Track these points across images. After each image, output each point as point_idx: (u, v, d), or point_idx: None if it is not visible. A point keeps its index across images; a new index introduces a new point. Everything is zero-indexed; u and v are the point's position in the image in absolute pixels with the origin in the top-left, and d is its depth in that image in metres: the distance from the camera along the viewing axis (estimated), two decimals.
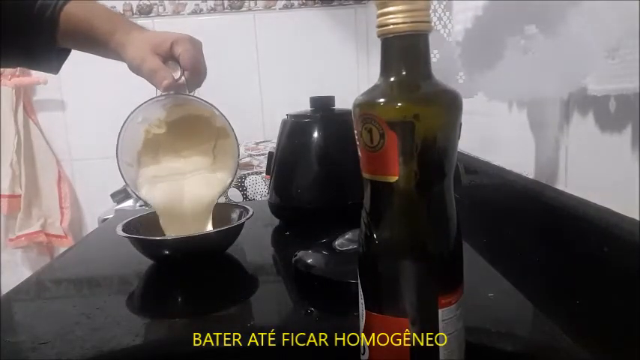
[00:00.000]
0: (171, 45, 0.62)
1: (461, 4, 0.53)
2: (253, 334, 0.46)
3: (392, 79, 0.32)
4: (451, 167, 0.32)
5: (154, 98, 0.63)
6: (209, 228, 0.66)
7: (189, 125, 0.68)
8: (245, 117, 1.62)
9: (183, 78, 0.64)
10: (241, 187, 1.18)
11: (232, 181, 0.66)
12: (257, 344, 0.45)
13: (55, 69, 0.70)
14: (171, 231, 0.65)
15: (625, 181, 0.38)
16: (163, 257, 0.63)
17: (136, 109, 0.63)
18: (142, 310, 0.55)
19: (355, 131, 0.33)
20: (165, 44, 0.62)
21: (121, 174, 0.63)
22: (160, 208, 0.65)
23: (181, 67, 0.63)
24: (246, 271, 0.65)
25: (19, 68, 1.74)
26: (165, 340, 0.47)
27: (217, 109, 0.64)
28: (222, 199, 1.17)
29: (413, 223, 0.32)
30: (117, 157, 0.62)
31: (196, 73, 0.64)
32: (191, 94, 0.66)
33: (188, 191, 0.65)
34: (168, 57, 0.63)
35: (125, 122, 0.63)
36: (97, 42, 0.64)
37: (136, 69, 0.63)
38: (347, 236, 0.58)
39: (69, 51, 0.70)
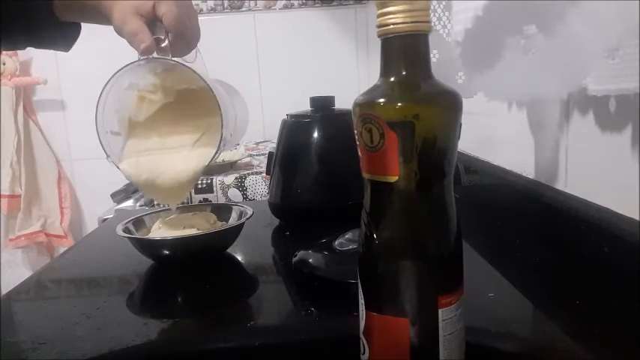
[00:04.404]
0: (154, 5, 0.59)
1: (460, 4, 0.53)
2: (253, 334, 0.46)
3: (392, 79, 0.32)
4: (451, 167, 0.32)
5: (133, 62, 0.60)
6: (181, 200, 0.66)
7: (189, 99, 0.66)
8: None
9: (167, 41, 0.60)
10: (241, 187, 1.18)
11: (215, 155, 0.63)
12: (257, 344, 0.45)
13: (62, 46, 0.68)
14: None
15: (625, 181, 0.38)
16: (163, 257, 0.63)
17: (114, 75, 0.60)
18: (142, 310, 0.55)
19: (355, 131, 0.33)
20: (147, 5, 0.59)
21: (100, 142, 0.61)
22: (136, 183, 0.64)
23: (165, 30, 0.60)
24: (246, 271, 0.65)
25: (19, 68, 1.74)
26: (165, 340, 0.47)
27: (200, 76, 0.60)
28: (223, 199, 1.17)
29: (413, 223, 0.32)
30: (96, 124, 0.61)
31: (180, 35, 0.60)
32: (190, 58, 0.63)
33: (166, 168, 0.63)
34: (152, 18, 0.60)
35: (103, 90, 0.60)
36: (89, 9, 0.63)
37: (118, 32, 0.60)
38: (347, 236, 0.58)
39: (77, 28, 0.68)
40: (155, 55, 0.60)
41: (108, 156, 0.62)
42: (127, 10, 0.59)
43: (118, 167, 0.63)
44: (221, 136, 0.61)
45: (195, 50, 0.65)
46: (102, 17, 0.62)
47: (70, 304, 0.56)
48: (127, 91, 0.64)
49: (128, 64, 0.60)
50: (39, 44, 0.68)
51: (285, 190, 0.77)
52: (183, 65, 0.61)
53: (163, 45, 0.60)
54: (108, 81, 0.60)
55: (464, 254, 0.34)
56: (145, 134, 0.66)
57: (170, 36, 0.60)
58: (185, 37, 0.61)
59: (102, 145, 0.61)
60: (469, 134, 0.51)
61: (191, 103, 0.66)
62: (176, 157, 0.64)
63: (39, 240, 1.78)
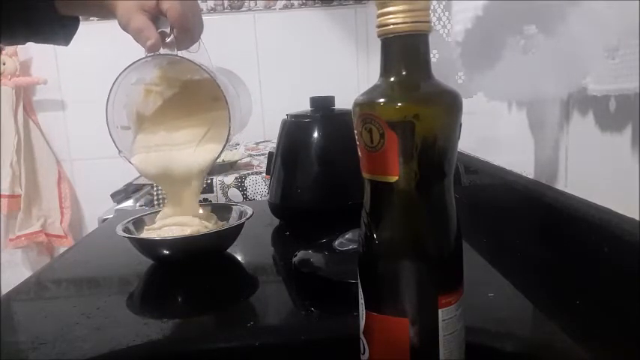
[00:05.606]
0: (158, 1, 0.59)
1: (460, 4, 0.53)
2: (253, 334, 0.46)
3: (392, 79, 0.32)
4: (451, 167, 0.32)
5: (140, 59, 0.61)
6: (198, 197, 0.66)
7: (194, 93, 0.66)
8: None
9: (172, 36, 0.61)
10: (241, 187, 1.18)
11: (223, 148, 0.64)
12: (257, 344, 0.45)
13: (62, 40, 0.68)
14: (170, 195, 0.66)
15: (625, 181, 0.38)
16: (163, 257, 0.63)
17: (121, 73, 0.61)
18: (142, 310, 0.55)
19: (355, 131, 0.33)
20: (151, 1, 0.59)
21: (112, 138, 0.62)
22: (149, 177, 0.65)
23: (170, 25, 0.60)
24: (246, 271, 0.65)
25: (18, 68, 1.74)
26: (165, 340, 0.47)
27: (207, 71, 0.61)
28: (223, 199, 1.17)
29: (413, 223, 0.32)
30: (107, 121, 0.62)
31: (184, 30, 0.61)
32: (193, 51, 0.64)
33: (177, 162, 0.64)
34: (157, 14, 0.60)
35: (112, 86, 0.61)
36: (93, 5, 0.63)
37: (124, 28, 0.60)
38: (347, 236, 0.58)
39: (76, 22, 0.68)
40: (161, 50, 0.60)
41: (120, 151, 0.63)
42: (131, 6, 0.59)
43: (130, 162, 0.64)
44: (229, 130, 0.62)
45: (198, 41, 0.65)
46: (105, 12, 0.62)
47: (70, 304, 0.56)
48: (134, 86, 0.65)
49: (135, 61, 0.61)
50: (39, 39, 0.68)
51: (285, 190, 0.77)
52: (190, 60, 0.62)
53: (168, 40, 0.61)
54: (116, 79, 0.61)
55: (464, 254, 0.34)
56: (153, 129, 0.66)
57: (175, 31, 0.61)
58: (189, 32, 0.62)
59: (113, 141, 0.62)
60: (469, 134, 0.51)
61: (196, 97, 0.67)
62: (185, 152, 0.65)
63: (39, 240, 1.78)
